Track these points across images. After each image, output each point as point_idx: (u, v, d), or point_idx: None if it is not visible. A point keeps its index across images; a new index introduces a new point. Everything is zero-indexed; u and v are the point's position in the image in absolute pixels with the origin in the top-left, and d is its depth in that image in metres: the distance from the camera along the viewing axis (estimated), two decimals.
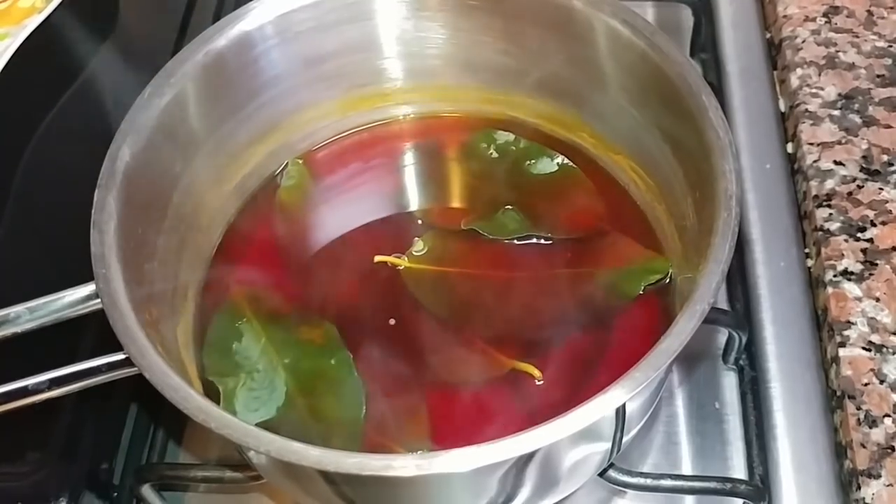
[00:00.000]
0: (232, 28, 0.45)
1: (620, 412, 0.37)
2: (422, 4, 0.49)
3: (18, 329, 0.39)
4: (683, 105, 0.41)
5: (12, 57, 0.55)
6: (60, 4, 0.58)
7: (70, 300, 0.40)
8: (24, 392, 0.37)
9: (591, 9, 0.45)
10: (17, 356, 0.40)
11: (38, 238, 0.51)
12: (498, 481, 0.37)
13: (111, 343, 0.37)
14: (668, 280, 0.45)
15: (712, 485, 0.45)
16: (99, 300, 0.38)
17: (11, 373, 0.38)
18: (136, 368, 0.36)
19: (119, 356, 0.37)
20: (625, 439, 0.41)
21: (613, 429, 0.38)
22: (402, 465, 0.32)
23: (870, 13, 0.63)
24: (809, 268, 0.54)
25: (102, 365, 0.38)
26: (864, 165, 0.56)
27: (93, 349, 0.45)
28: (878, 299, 0.50)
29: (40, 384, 0.37)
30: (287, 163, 0.51)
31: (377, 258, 0.47)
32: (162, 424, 0.49)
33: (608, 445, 0.40)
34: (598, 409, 0.33)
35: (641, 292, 0.45)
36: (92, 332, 0.45)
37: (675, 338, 0.34)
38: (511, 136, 0.51)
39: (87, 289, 0.39)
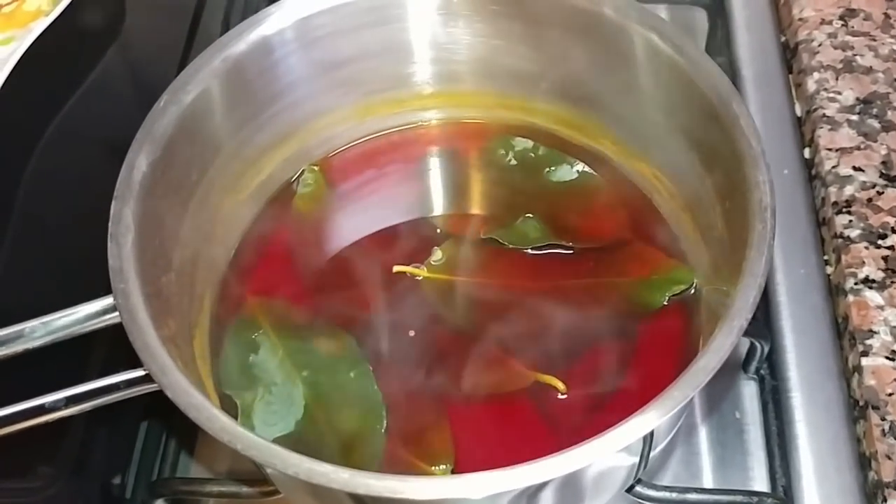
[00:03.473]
0: (250, 33, 0.45)
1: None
2: (447, 9, 0.48)
3: (33, 344, 0.38)
4: (713, 113, 0.41)
5: (18, 61, 0.54)
6: (67, 8, 0.57)
7: (85, 314, 0.39)
8: (41, 410, 0.36)
9: (619, 15, 0.44)
10: (26, 371, 0.40)
11: (44, 248, 0.50)
12: (523, 499, 0.36)
13: (123, 356, 0.37)
14: (692, 290, 0.45)
15: (738, 498, 0.45)
16: (115, 314, 0.37)
17: (20, 388, 0.38)
18: (155, 385, 0.35)
19: (138, 373, 0.36)
20: (652, 454, 0.40)
21: (642, 446, 0.38)
22: (434, 488, 0.31)
23: (887, 16, 0.62)
24: (829, 275, 0.54)
25: (121, 382, 0.37)
26: (883, 171, 0.55)
27: (104, 362, 0.44)
28: None
29: (57, 402, 0.36)
30: (303, 170, 0.51)
31: (396, 268, 0.47)
32: (174, 437, 0.49)
33: (636, 461, 0.39)
34: (635, 430, 0.32)
35: (665, 303, 0.44)
36: (103, 346, 0.44)
37: (713, 354, 0.33)
38: (530, 143, 0.51)
39: (102, 303, 0.38)
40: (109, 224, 0.38)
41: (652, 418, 0.32)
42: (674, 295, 0.45)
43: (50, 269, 0.49)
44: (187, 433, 0.49)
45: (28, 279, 0.48)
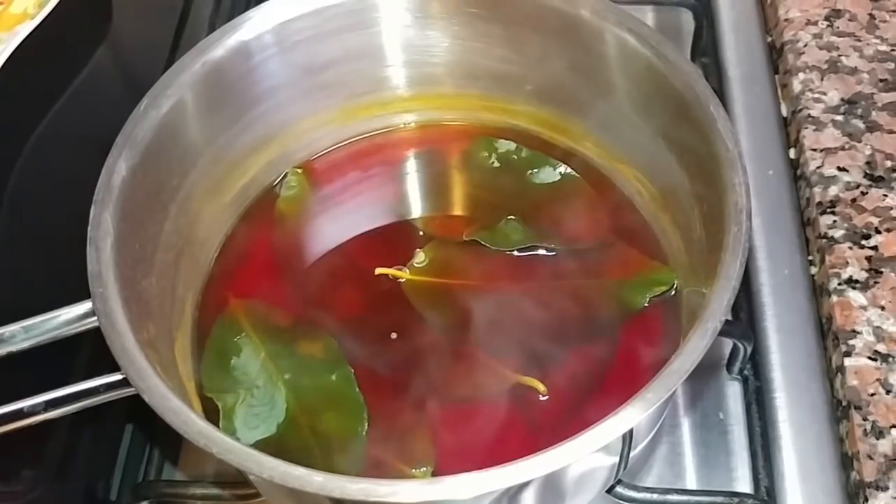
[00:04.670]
0: (229, 38, 0.45)
1: (628, 431, 0.36)
2: (424, 13, 0.48)
3: (14, 348, 0.39)
4: (691, 115, 0.41)
5: (3, 64, 0.54)
6: (53, 10, 0.57)
7: (66, 318, 0.39)
8: (20, 414, 0.36)
9: (596, 17, 0.44)
10: (10, 372, 0.40)
11: (30, 251, 0.50)
12: (503, 501, 0.36)
13: (107, 358, 0.37)
14: (673, 292, 0.45)
15: (720, 499, 0.44)
16: (96, 318, 0.37)
17: (3, 389, 0.38)
18: (133, 389, 0.35)
19: (117, 376, 0.37)
20: (632, 454, 0.40)
21: (621, 447, 0.38)
22: (409, 491, 0.31)
23: (872, 17, 0.62)
24: (813, 276, 0.54)
25: (100, 385, 0.37)
26: (867, 171, 0.55)
27: (88, 364, 0.44)
28: (883, 308, 0.50)
29: (36, 406, 0.36)
30: (286, 173, 0.51)
31: (378, 270, 0.47)
32: (159, 441, 0.49)
33: (615, 462, 0.39)
34: (609, 431, 0.32)
35: (646, 304, 0.45)
36: (88, 348, 0.44)
37: (686, 357, 0.33)
38: (513, 145, 0.51)
39: (84, 306, 0.39)
40: (89, 228, 0.38)
41: (625, 420, 0.32)
42: (654, 296, 0.45)
43: (39, 269, 0.49)
44: (172, 436, 0.48)
45: (17, 280, 0.48)
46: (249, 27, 0.45)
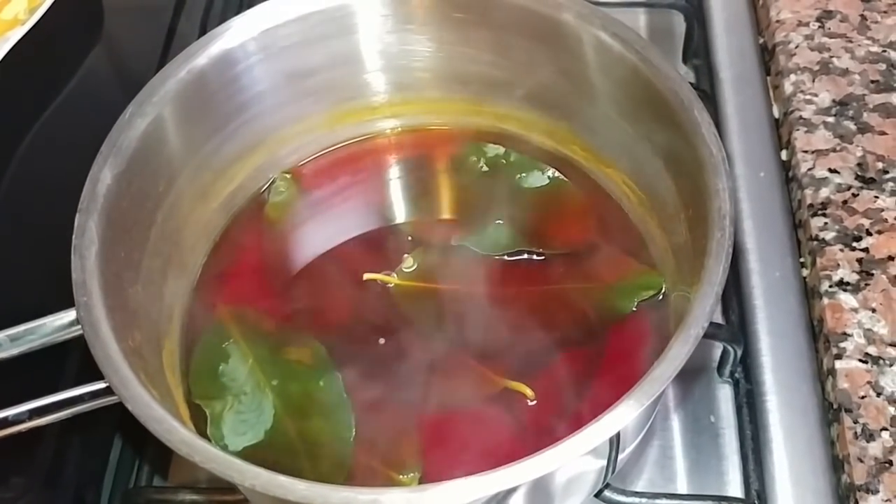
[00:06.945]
0: (213, 45, 0.45)
1: (615, 436, 0.36)
2: (407, 18, 0.48)
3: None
4: (676, 120, 0.41)
5: None
6: (44, 16, 0.57)
7: (53, 326, 0.39)
8: (4, 423, 0.36)
9: (581, 21, 0.44)
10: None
11: (21, 256, 0.50)
12: None
13: (96, 366, 0.36)
14: (660, 296, 0.45)
15: None
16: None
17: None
18: (118, 397, 0.36)
19: (102, 384, 0.37)
20: (620, 458, 0.40)
21: (608, 451, 0.38)
22: (392, 499, 0.31)
23: (863, 17, 0.62)
24: (805, 278, 0.54)
25: (85, 394, 0.37)
26: (858, 173, 0.55)
27: (78, 371, 0.45)
28: (874, 310, 0.50)
29: (20, 415, 0.36)
30: (274, 178, 0.51)
31: (366, 276, 0.47)
32: (149, 447, 0.49)
33: (603, 466, 0.39)
34: (593, 438, 0.32)
35: (634, 308, 0.44)
36: (78, 355, 0.44)
37: (669, 363, 0.33)
38: (501, 150, 0.51)
39: (70, 314, 0.39)
40: (73, 237, 0.38)
41: (608, 427, 0.32)
42: (642, 300, 0.45)
43: (31, 274, 0.49)
44: (162, 444, 0.49)
45: (8, 285, 0.48)
46: (233, 35, 0.45)
